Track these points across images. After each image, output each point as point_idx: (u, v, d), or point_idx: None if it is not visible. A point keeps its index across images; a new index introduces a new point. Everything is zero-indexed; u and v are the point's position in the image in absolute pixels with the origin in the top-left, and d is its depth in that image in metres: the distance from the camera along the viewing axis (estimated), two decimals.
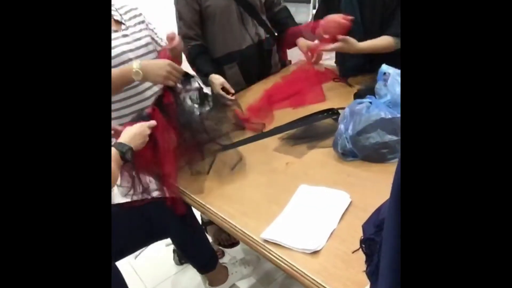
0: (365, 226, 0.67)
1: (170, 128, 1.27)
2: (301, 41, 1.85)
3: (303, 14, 4.18)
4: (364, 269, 0.65)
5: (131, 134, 1.16)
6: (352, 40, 1.50)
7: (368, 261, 0.62)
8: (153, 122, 1.22)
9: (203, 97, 1.37)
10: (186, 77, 1.37)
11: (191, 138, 1.33)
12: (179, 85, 1.34)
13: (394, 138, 1.15)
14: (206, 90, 1.47)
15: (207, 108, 1.42)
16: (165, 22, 2.03)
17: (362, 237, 0.66)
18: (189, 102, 1.34)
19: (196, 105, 1.36)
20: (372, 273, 0.57)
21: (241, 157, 1.33)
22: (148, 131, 1.20)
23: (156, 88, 1.47)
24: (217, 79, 1.68)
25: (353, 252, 0.85)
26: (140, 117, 1.27)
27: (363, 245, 0.65)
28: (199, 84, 1.38)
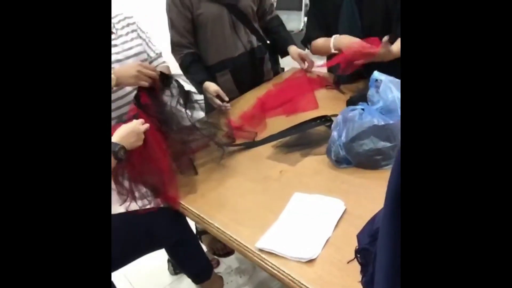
0: (359, 236, 0.66)
1: (154, 129, 1.26)
2: (292, 48, 1.86)
3: (294, 22, 4.20)
4: (360, 279, 0.64)
5: (122, 133, 1.15)
6: (389, 46, 1.49)
7: (364, 271, 0.62)
8: (143, 121, 1.21)
9: (185, 96, 1.37)
10: (163, 77, 1.36)
11: (176, 137, 1.33)
12: (160, 85, 1.34)
13: (388, 144, 1.15)
14: (188, 88, 1.46)
15: (196, 110, 1.41)
16: (158, 30, 2.04)
17: (357, 247, 0.65)
18: (177, 105, 1.34)
19: (187, 111, 1.36)
20: (367, 283, 0.57)
21: (223, 149, 1.37)
22: (142, 128, 1.19)
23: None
24: (211, 86, 1.68)
25: (348, 262, 0.84)
26: (120, 121, 1.27)
27: (358, 255, 0.64)
28: (177, 82, 1.38)
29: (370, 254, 0.56)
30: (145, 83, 1.30)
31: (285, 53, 1.92)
